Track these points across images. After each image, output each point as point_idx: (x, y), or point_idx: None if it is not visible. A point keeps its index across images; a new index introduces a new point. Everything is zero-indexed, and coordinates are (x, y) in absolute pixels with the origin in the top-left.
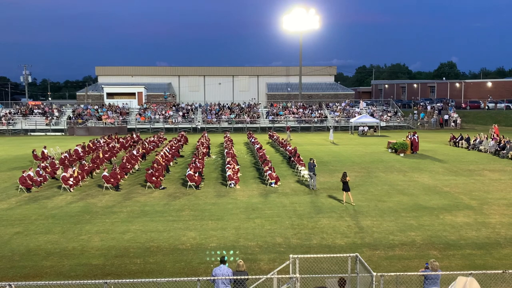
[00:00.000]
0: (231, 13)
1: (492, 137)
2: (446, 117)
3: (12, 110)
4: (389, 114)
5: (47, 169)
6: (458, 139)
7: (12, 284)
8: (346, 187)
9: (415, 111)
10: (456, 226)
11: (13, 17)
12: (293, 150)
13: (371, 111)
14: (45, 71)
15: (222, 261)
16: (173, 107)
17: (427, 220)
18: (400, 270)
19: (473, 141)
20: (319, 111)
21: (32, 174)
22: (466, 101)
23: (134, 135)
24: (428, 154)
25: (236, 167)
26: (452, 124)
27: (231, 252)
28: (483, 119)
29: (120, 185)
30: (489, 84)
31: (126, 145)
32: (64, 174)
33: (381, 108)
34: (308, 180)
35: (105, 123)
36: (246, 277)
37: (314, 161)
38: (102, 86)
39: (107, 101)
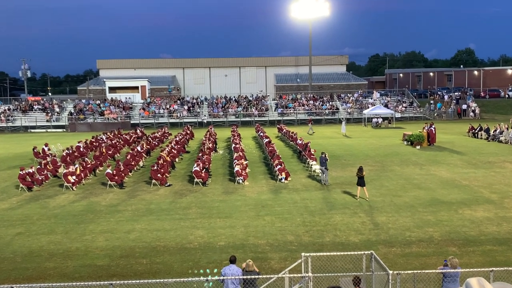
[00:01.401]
0: (237, 1)
1: None
2: (464, 106)
3: (11, 107)
4: (404, 105)
5: (48, 167)
6: (477, 129)
7: (14, 286)
8: (361, 182)
9: (432, 101)
10: (476, 221)
11: (11, 10)
12: (303, 144)
13: (385, 101)
14: (45, 65)
15: (232, 260)
16: (178, 101)
17: (445, 215)
18: (418, 267)
19: (493, 132)
20: (331, 103)
21: (32, 171)
22: (485, 89)
23: (138, 131)
24: (446, 146)
25: (244, 162)
26: (471, 114)
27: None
28: (503, 109)
29: (125, 182)
30: (509, 71)
31: (130, 141)
32: (65, 171)
33: (395, 99)
34: (320, 175)
35: (108, 118)
36: (256, 276)
37: (326, 155)
38: (104, 80)
39: (109, 96)
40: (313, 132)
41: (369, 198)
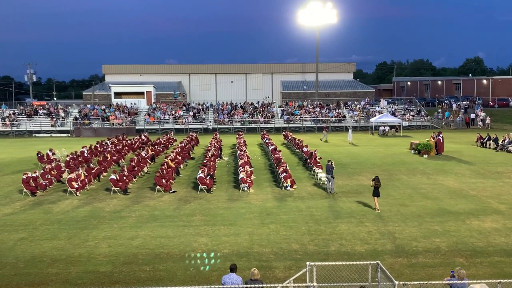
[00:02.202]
0: (244, 8)
1: None
2: (472, 116)
3: (16, 111)
4: (411, 113)
5: (52, 172)
6: (486, 139)
7: None
8: (377, 192)
9: (440, 110)
10: (484, 232)
11: (17, 15)
12: (309, 152)
13: (393, 110)
14: (50, 70)
15: (232, 269)
16: (184, 107)
17: (452, 226)
18: (424, 278)
19: (502, 142)
20: (337, 110)
21: (36, 176)
22: (494, 98)
23: (143, 136)
24: (454, 156)
25: (250, 169)
26: (480, 123)
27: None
28: None
29: (129, 188)
30: None
31: (135, 146)
32: (70, 177)
33: (403, 107)
34: (326, 183)
35: (113, 123)
36: (260, 285)
37: (332, 163)
38: (110, 85)
39: (114, 101)
40: (326, 141)
41: (378, 209)
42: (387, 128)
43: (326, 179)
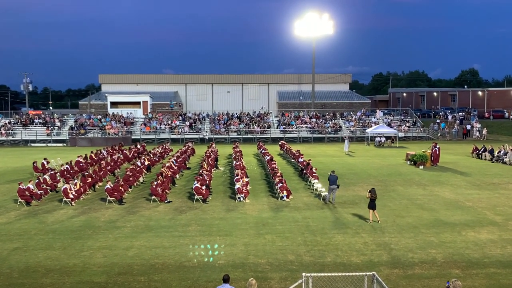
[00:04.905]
0: (240, 18)
1: None
2: (468, 127)
3: (11, 120)
4: (407, 124)
5: (47, 182)
6: (481, 150)
7: None
8: (373, 205)
9: (438, 121)
10: (480, 243)
11: (13, 24)
12: (305, 162)
13: (389, 120)
14: (47, 79)
15: (225, 279)
16: (180, 117)
17: (448, 237)
18: None
19: (497, 153)
20: (333, 121)
21: (32, 187)
22: (489, 110)
23: (139, 146)
24: (449, 167)
25: (246, 179)
26: (477, 134)
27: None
28: (507, 130)
29: (124, 198)
30: None
31: (130, 156)
32: (65, 186)
33: (399, 118)
34: (327, 193)
35: (109, 133)
36: None
37: (335, 174)
38: (106, 94)
39: (110, 111)
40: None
41: (372, 220)
42: (383, 139)
43: (330, 189)
